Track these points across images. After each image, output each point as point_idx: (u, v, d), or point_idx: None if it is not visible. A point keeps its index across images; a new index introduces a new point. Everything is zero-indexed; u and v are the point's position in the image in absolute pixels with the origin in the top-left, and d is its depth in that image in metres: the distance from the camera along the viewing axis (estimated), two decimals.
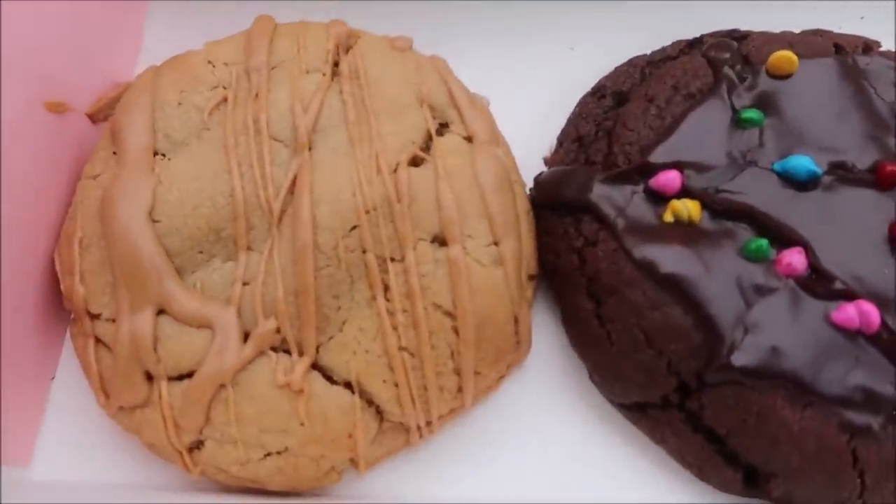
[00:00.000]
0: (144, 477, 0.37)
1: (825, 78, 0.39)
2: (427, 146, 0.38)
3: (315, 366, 0.35)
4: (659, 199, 0.36)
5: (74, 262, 0.36)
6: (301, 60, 0.38)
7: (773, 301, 0.34)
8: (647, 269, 0.35)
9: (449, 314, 0.35)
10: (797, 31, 0.42)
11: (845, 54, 0.40)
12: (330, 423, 0.34)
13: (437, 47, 0.43)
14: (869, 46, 0.41)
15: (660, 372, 0.35)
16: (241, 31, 0.40)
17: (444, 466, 0.38)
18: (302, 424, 0.34)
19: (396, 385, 0.35)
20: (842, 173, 0.36)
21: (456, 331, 0.35)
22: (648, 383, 0.35)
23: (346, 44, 0.40)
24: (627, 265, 0.35)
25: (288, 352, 0.35)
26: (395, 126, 0.37)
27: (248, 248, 0.35)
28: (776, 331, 0.33)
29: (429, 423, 0.36)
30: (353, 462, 0.36)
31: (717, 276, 0.34)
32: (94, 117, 0.41)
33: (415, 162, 0.37)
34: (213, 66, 0.39)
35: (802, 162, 0.36)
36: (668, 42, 0.43)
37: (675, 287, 0.34)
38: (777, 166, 0.37)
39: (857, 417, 0.33)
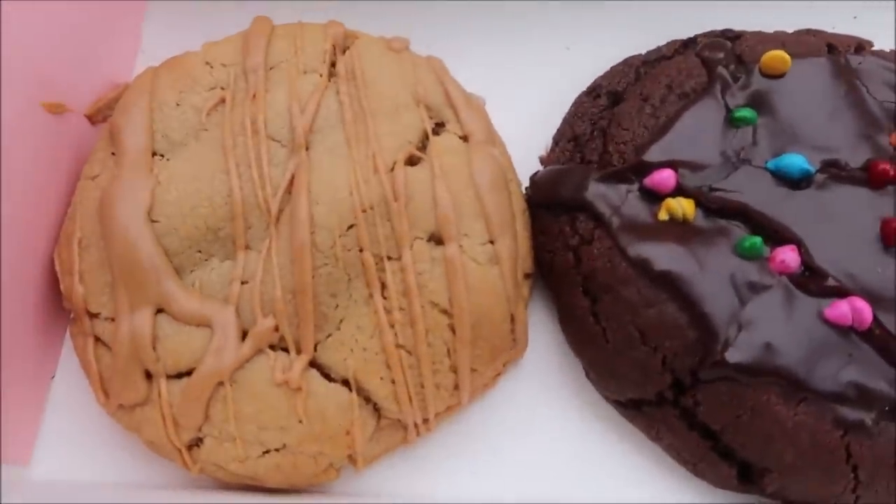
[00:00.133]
0: (144, 475, 0.37)
1: (818, 77, 0.39)
2: (423, 146, 0.38)
3: (313, 364, 0.35)
4: (654, 197, 0.37)
5: (74, 262, 0.36)
6: (298, 61, 0.39)
7: (767, 298, 0.34)
8: (642, 266, 0.35)
9: (445, 312, 0.35)
10: (791, 30, 0.42)
11: (838, 54, 0.40)
12: (328, 421, 0.34)
13: (433, 48, 0.43)
14: (861, 46, 0.41)
15: (655, 369, 0.35)
16: (239, 33, 0.40)
17: (441, 463, 0.38)
18: (300, 422, 0.34)
19: (393, 382, 0.35)
20: (834, 171, 0.37)
21: (452, 329, 0.35)
22: (643, 380, 0.36)
23: (344, 44, 0.40)
24: (622, 263, 0.36)
25: (286, 350, 0.35)
26: (391, 126, 0.37)
27: (247, 248, 0.35)
28: (770, 328, 0.33)
29: (426, 421, 0.36)
30: (351, 459, 0.36)
31: (711, 273, 0.34)
32: (93, 118, 0.41)
33: (411, 161, 0.37)
34: (211, 67, 0.39)
35: (795, 160, 0.36)
36: (662, 42, 0.43)
37: (670, 284, 0.35)
38: (770, 165, 0.37)
39: (851, 413, 0.33)
